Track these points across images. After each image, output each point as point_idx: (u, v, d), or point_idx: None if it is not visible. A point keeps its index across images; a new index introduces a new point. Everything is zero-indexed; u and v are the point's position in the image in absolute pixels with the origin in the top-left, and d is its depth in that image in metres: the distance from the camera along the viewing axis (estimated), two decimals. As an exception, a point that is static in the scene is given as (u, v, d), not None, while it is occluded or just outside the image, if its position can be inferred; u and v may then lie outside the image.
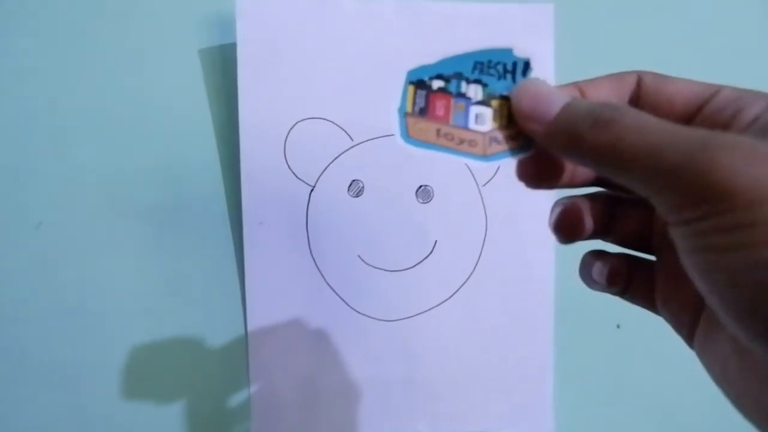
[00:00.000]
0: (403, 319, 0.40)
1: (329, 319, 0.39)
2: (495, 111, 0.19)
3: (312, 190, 0.38)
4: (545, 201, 0.40)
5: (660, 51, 0.41)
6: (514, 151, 0.19)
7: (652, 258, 0.22)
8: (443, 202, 0.39)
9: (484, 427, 0.41)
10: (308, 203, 0.38)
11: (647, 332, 0.43)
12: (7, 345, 0.38)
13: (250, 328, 0.38)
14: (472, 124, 0.19)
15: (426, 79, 0.19)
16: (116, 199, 0.38)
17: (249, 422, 0.39)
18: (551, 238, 0.22)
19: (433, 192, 0.39)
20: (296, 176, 0.38)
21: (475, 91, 0.19)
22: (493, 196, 0.40)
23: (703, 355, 0.19)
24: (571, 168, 0.21)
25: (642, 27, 0.42)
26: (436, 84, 0.19)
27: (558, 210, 0.22)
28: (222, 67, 0.38)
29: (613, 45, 0.42)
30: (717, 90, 0.18)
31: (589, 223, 0.22)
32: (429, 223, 0.39)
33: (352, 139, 0.38)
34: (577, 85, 0.20)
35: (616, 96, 0.20)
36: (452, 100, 0.19)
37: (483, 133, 0.19)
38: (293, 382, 0.39)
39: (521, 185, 0.20)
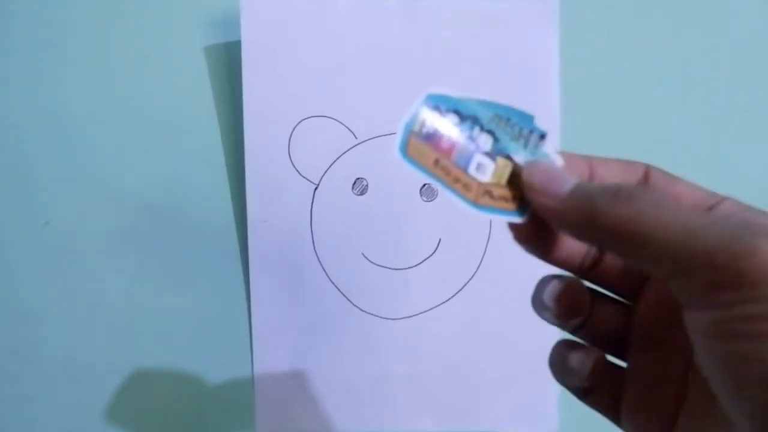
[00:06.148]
0: (408, 317, 0.40)
1: (333, 317, 0.39)
2: (498, 168, 0.19)
3: (316, 188, 0.38)
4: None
5: (664, 46, 0.41)
6: (505, 212, 0.19)
7: (621, 363, 0.21)
8: (447, 200, 0.39)
9: (489, 425, 0.41)
10: (312, 201, 0.38)
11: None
12: (14, 343, 0.38)
13: (254, 324, 0.38)
14: (472, 170, 0.19)
15: (443, 109, 0.19)
16: (121, 197, 0.38)
17: (253, 419, 0.39)
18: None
19: (437, 190, 0.39)
20: (300, 174, 0.38)
21: (485, 141, 0.19)
22: (498, 193, 0.39)
23: None
24: (562, 245, 0.20)
25: (647, 22, 0.41)
26: (450, 119, 0.19)
27: (555, 283, 0.21)
28: (227, 65, 0.38)
29: (618, 40, 0.41)
30: (720, 201, 0.18)
31: (588, 302, 0.20)
32: (433, 221, 0.39)
33: (356, 137, 0.38)
34: (587, 159, 0.20)
35: (623, 181, 0.20)
36: (461, 141, 0.19)
37: (480, 183, 0.19)
38: (297, 379, 0.39)
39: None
